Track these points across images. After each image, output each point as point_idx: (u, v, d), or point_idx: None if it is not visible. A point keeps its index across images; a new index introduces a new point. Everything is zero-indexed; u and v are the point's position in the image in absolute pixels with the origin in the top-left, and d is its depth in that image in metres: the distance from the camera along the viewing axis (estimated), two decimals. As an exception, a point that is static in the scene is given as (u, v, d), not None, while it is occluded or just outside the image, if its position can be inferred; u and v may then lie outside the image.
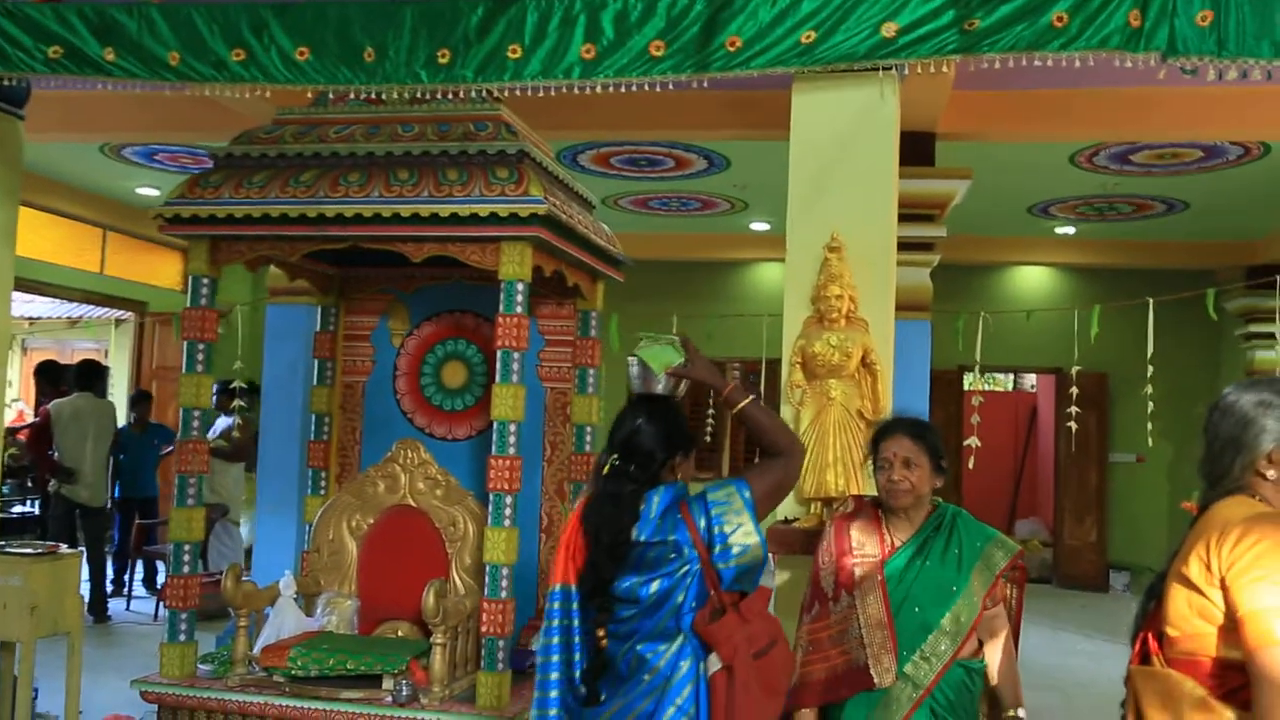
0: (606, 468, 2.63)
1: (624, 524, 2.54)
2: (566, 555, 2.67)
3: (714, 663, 2.48)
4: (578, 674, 2.57)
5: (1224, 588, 1.91)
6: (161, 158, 8.62)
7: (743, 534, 2.53)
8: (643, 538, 2.54)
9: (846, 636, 2.76)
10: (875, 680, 2.69)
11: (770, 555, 3.85)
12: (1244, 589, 1.87)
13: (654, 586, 2.50)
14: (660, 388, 2.85)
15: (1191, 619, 1.97)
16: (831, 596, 2.85)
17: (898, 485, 2.80)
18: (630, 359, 2.94)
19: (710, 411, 9.30)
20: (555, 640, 2.64)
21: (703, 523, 2.54)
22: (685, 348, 2.85)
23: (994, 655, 2.83)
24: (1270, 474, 2.03)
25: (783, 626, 2.66)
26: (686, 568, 2.51)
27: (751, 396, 2.72)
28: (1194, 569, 1.97)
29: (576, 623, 2.61)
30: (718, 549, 2.51)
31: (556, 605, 2.67)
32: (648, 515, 2.56)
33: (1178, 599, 2.00)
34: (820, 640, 2.83)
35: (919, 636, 2.72)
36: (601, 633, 2.56)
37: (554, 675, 2.58)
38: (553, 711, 2.57)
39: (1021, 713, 2.84)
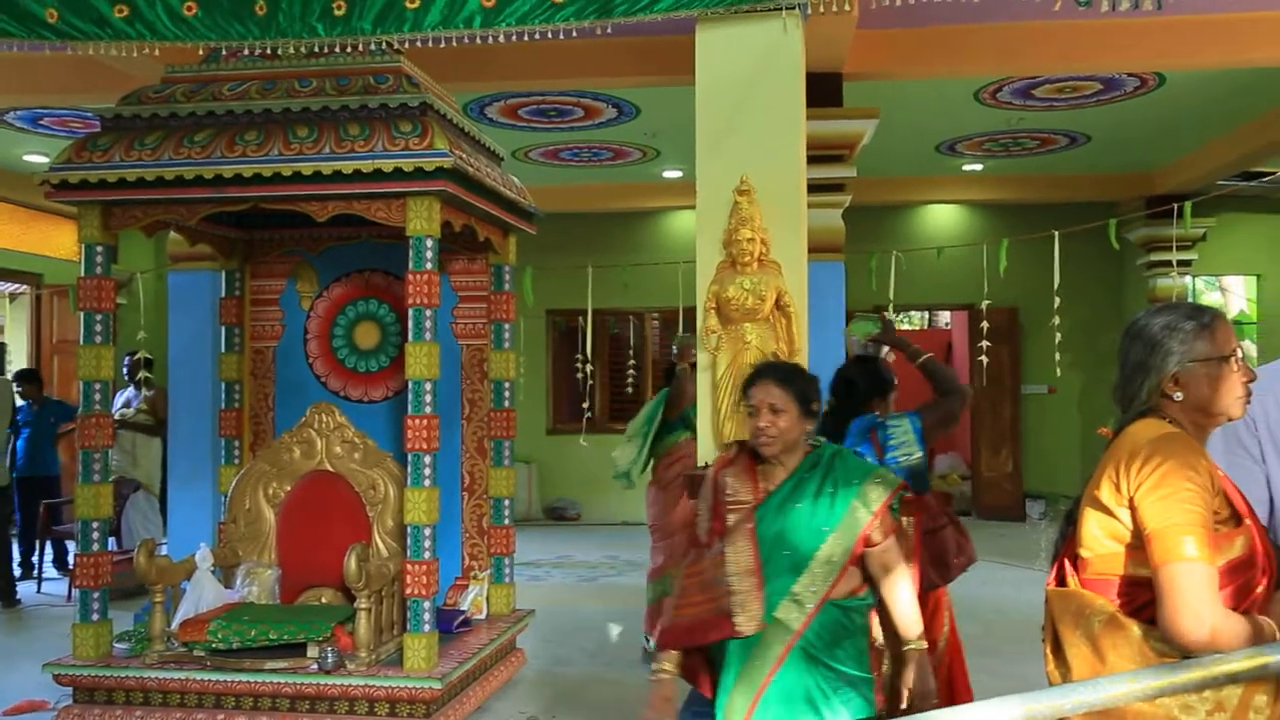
0: (825, 407, 3.39)
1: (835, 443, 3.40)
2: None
3: None
4: None
5: (1132, 507, 1.95)
6: (48, 122, 8.26)
7: (905, 448, 3.59)
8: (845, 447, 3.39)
9: (715, 583, 2.75)
10: (738, 628, 2.69)
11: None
12: (1150, 507, 1.91)
13: None
14: (864, 351, 4.08)
15: (1102, 540, 2.02)
16: (705, 543, 2.85)
17: (764, 432, 2.77)
18: (844, 331, 4.43)
19: (631, 369, 9.32)
20: None
21: (881, 439, 3.60)
22: (882, 322, 4.11)
23: (889, 590, 2.81)
24: (1177, 395, 2.06)
25: None
26: None
27: (929, 354, 3.85)
28: (1105, 491, 2.01)
29: None
30: (888, 456, 3.56)
31: None
32: (849, 435, 3.64)
33: (1090, 521, 2.05)
34: (690, 586, 2.82)
35: (789, 579, 2.71)
36: None
37: None
38: None
39: (922, 643, 2.80)
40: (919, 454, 3.61)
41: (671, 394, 5.87)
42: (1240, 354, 2.09)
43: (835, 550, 2.71)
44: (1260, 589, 1.95)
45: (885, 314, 4.17)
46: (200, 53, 4.67)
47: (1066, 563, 2.12)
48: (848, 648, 2.76)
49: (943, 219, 11.93)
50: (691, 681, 2.91)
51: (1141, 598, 1.93)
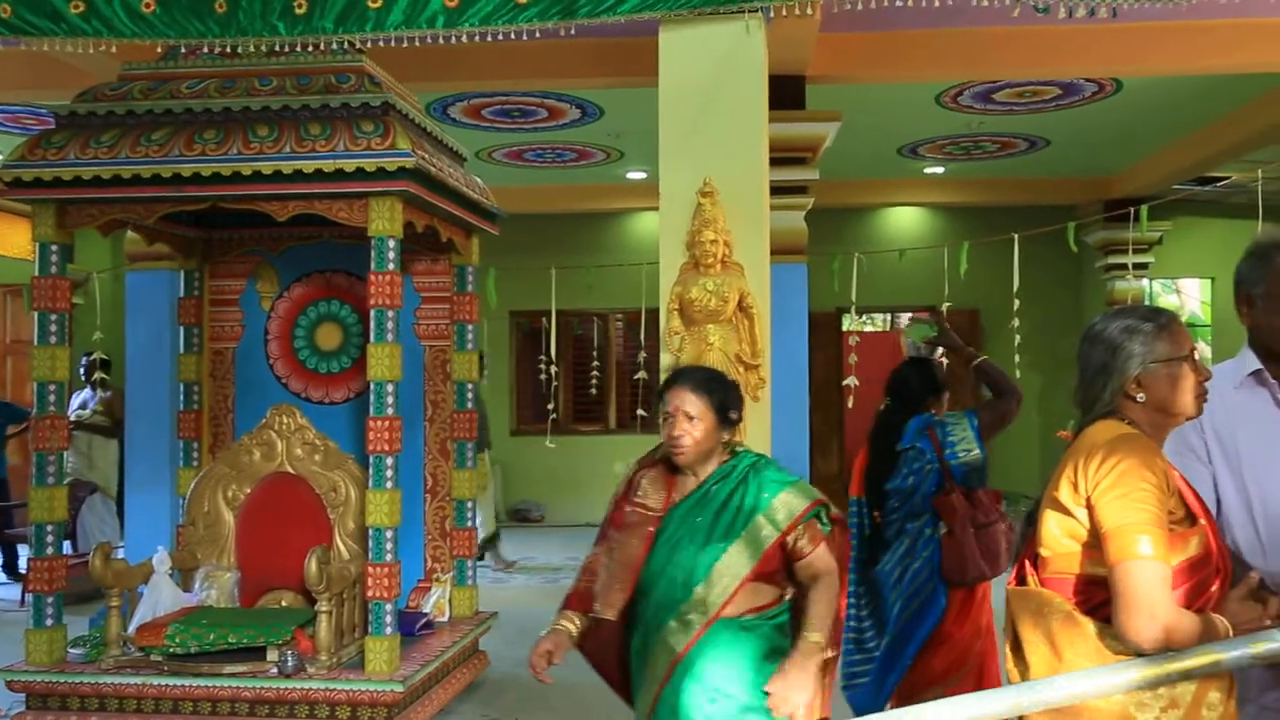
0: (882, 405, 3.77)
1: (892, 440, 3.86)
2: (859, 472, 4.05)
3: (943, 527, 3.71)
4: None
5: (1089, 506, 1.98)
6: (2, 119, 8.13)
7: (965, 445, 3.82)
8: (903, 446, 3.82)
9: (599, 569, 2.73)
10: (597, 610, 2.66)
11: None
12: (1107, 506, 1.93)
13: (909, 481, 3.79)
14: (919, 353, 4.41)
15: (1061, 539, 2.04)
16: (606, 536, 2.79)
17: (678, 441, 2.64)
18: (900, 333, 4.48)
19: (595, 370, 9.31)
20: (852, 532, 3.85)
21: (940, 436, 3.79)
22: (938, 326, 4.27)
23: (813, 590, 2.66)
24: (1139, 396, 2.09)
25: None
26: (929, 466, 3.76)
27: (984, 356, 4.02)
28: (1064, 491, 2.04)
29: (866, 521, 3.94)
30: (948, 452, 3.77)
31: (853, 510, 4.01)
32: (908, 433, 3.84)
33: (1049, 522, 2.07)
34: (585, 568, 2.81)
35: (678, 594, 2.60)
36: (876, 513, 3.94)
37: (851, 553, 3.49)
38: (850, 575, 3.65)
39: (817, 636, 2.61)
40: (978, 451, 3.83)
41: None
42: (1197, 354, 2.13)
43: (731, 568, 2.59)
44: (1214, 588, 1.98)
45: (941, 317, 4.40)
46: (158, 50, 4.61)
47: (1027, 562, 2.15)
48: (743, 670, 2.60)
49: (905, 221, 12.02)
50: (609, 683, 2.87)
51: (1098, 596, 1.95)
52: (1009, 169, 10.48)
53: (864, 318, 15.09)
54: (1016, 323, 6.56)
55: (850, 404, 6.73)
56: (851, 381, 6.55)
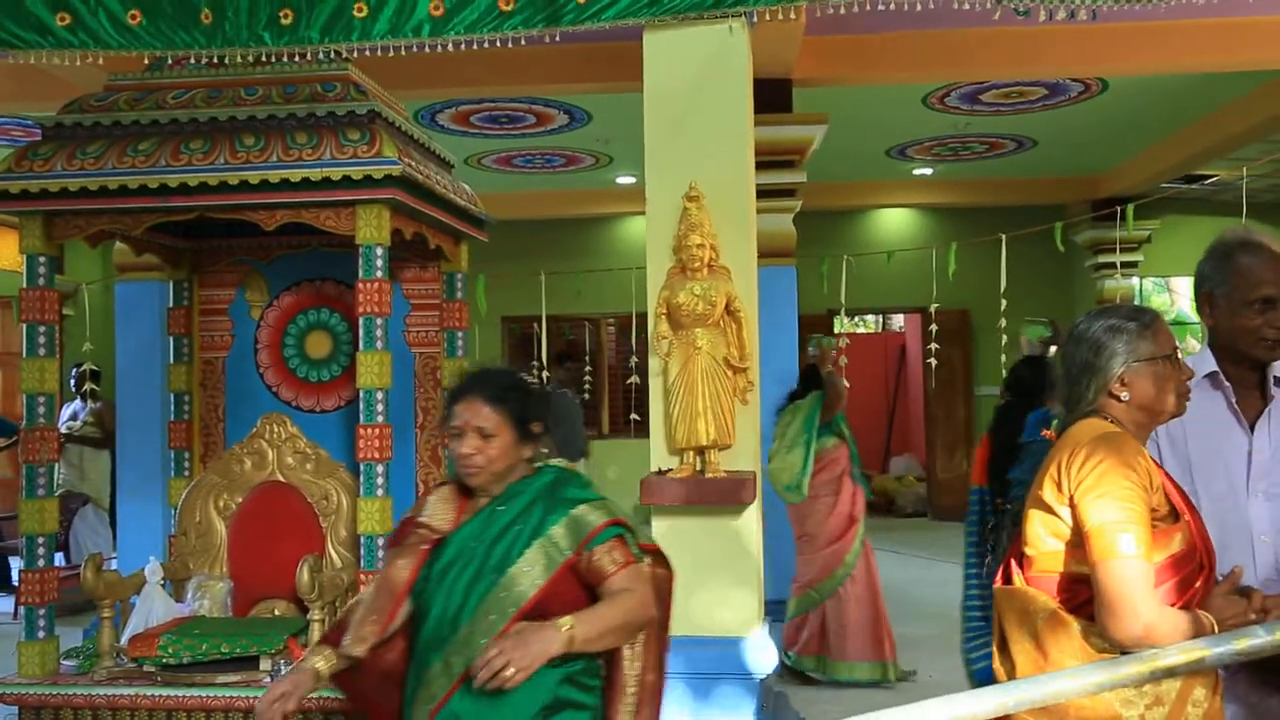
0: (1002, 401, 4.21)
1: (1012, 433, 4.10)
2: (981, 463, 4.38)
3: None
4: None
5: (1072, 505, 1.99)
6: (-11, 132, 8.15)
7: None
8: (1022, 440, 4.00)
9: (369, 596, 2.43)
10: (344, 646, 2.35)
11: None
12: (1089, 505, 1.95)
13: (1031, 473, 4.06)
14: (1035, 351, 4.88)
15: (1045, 538, 2.06)
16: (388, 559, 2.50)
17: (468, 460, 2.34)
18: (1020, 332, 5.23)
19: (587, 375, 9.31)
20: (974, 519, 4.33)
21: (1057, 430, 4.15)
22: (1052, 326, 4.83)
23: (605, 599, 2.33)
24: (1123, 395, 2.11)
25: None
26: None
27: None
28: (1047, 490, 2.05)
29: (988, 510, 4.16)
30: None
31: (974, 499, 4.34)
32: (1027, 427, 4.02)
33: (1034, 521, 2.09)
34: (358, 597, 2.53)
35: (445, 632, 2.29)
36: (1000, 500, 4.13)
37: (972, 538, 3.89)
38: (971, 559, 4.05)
39: (569, 621, 2.23)
40: None
41: (828, 398, 5.84)
42: (1179, 353, 2.15)
43: (501, 602, 2.26)
44: (1199, 583, 2.00)
45: (1053, 319, 4.96)
46: (144, 61, 4.62)
47: (1013, 561, 2.16)
48: (532, 706, 2.24)
49: (894, 222, 12.05)
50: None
51: (1083, 595, 1.97)
52: (997, 169, 10.53)
53: (855, 319, 15.13)
54: (1004, 323, 6.58)
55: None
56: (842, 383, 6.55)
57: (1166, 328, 2.18)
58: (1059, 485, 2.03)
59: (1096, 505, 1.94)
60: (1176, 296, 13.46)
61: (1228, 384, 2.36)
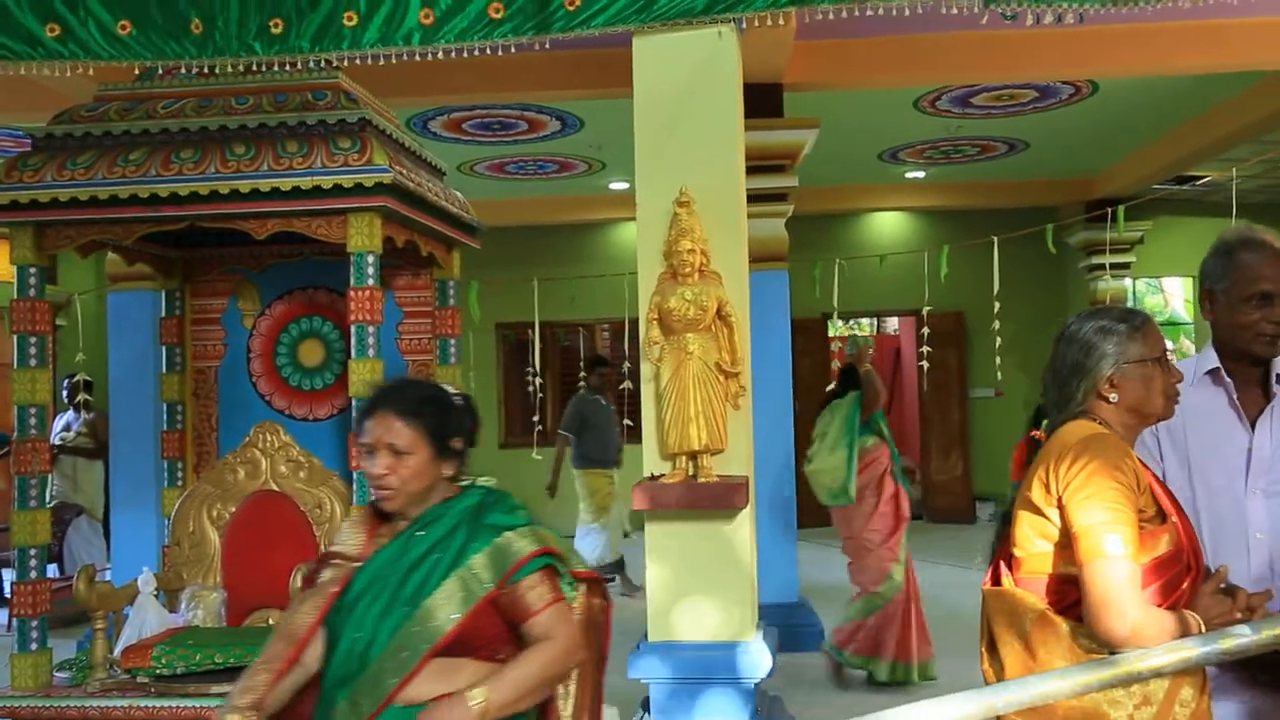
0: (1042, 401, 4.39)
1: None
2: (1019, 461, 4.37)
3: None
4: None
5: (1060, 506, 2.00)
6: (-20, 143, 8.14)
7: None
8: None
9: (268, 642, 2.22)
10: (232, 695, 2.11)
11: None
12: (1077, 506, 1.95)
13: None
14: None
15: (1034, 539, 2.06)
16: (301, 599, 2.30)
17: (380, 482, 2.15)
18: None
19: (582, 380, 9.31)
20: (1008, 513, 4.41)
21: None
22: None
23: (529, 650, 2.14)
24: (1112, 396, 2.11)
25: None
26: None
27: None
28: (1036, 492, 2.06)
29: None
30: None
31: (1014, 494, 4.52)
32: None
33: (1023, 523, 2.09)
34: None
35: (353, 668, 2.10)
36: None
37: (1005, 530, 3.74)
38: None
39: (480, 694, 2.04)
40: None
41: (866, 397, 5.79)
42: (1170, 355, 2.15)
43: (414, 637, 2.08)
44: (1186, 584, 2.00)
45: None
46: (135, 71, 4.62)
47: (1002, 563, 2.16)
48: None
49: (889, 226, 12.07)
50: None
51: (1071, 595, 1.97)
52: (990, 172, 10.55)
53: (850, 323, 15.16)
54: (998, 325, 6.60)
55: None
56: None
57: (1157, 330, 2.18)
58: (1047, 487, 2.04)
59: (1084, 506, 1.94)
60: (1169, 297, 13.49)
61: (1229, 380, 2.37)
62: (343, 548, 2.27)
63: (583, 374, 8.63)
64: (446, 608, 2.09)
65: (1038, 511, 2.05)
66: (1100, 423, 2.11)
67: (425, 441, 2.18)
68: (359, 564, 2.19)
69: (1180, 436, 2.38)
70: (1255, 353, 2.35)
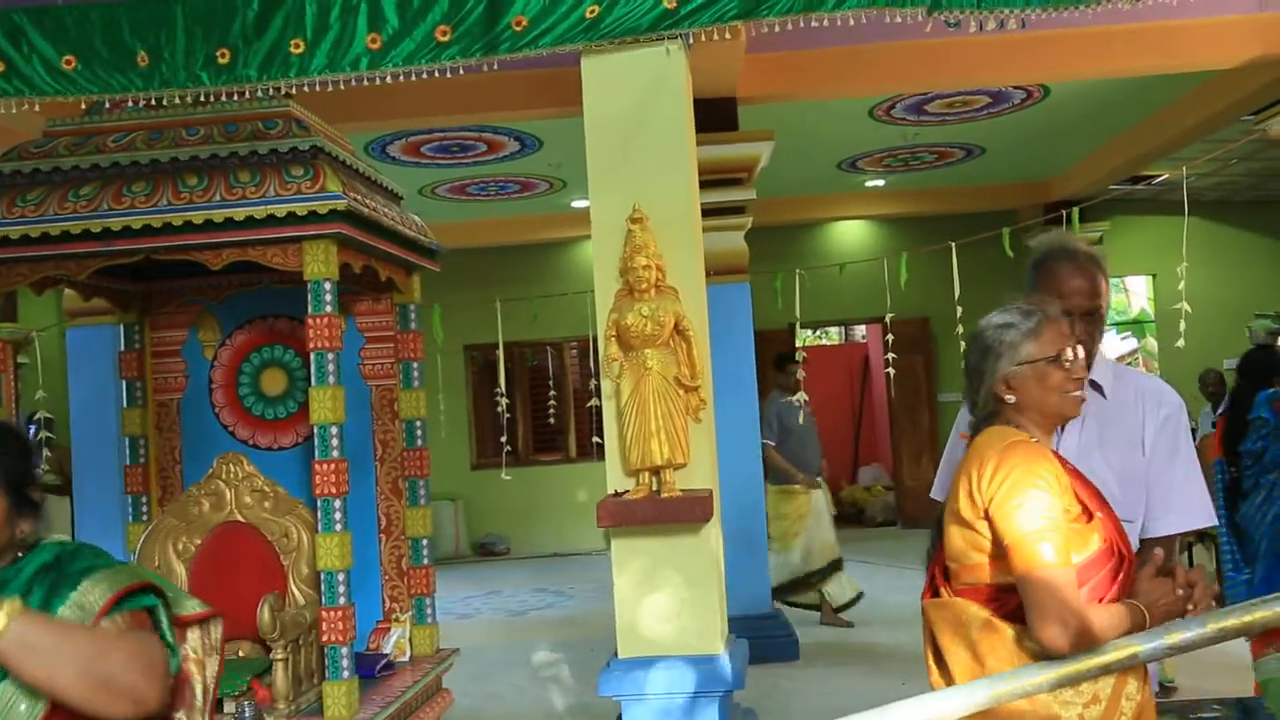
0: (1235, 384, 4.93)
1: (1244, 411, 5.00)
2: (1219, 438, 5.11)
3: None
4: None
5: (988, 519, 1.97)
6: (-64, 182, 8.05)
7: None
8: (1252, 416, 4.85)
9: None
10: None
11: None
12: (1005, 518, 1.93)
13: (1258, 444, 4.80)
14: (1263, 340, 5.61)
15: (969, 552, 2.02)
16: None
17: None
18: (1248, 327, 6.10)
19: (552, 400, 9.31)
20: (1218, 484, 5.11)
21: None
22: (1278, 319, 5.81)
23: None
24: (1009, 397, 2.08)
25: None
26: (1275, 431, 4.76)
27: None
28: (963, 505, 2.02)
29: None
30: None
31: (1217, 468, 5.12)
32: (1256, 405, 4.88)
33: (954, 536, 2.05)
34: None
35: None
36: (1233, 469, 4.99)
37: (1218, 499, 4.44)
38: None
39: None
40: None
41: None
42: (1070, 354, 2.10)
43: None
44: (1122, 575, 2.01)
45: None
46: (83, 105, 4.59)
47: (937, 573, 2.14)
48: None
49: (850, 235, 12.15)
50: None
51: (1013, 602, 1.96)
52: (949, 178, 10.65)
53: (818, 332, 15.21)
54: (961, 329, 6.63)
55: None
56: (799, 398, 6.59)
57: (1056, 328, 2.12)
58: (973, 499, 2.00)
59: (1012, 518, 1.92)
60: (1132, 295, 13.64)
61: None
62: None
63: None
64: (29, 694, 1.70)
65: (967, 525, 2.01)
66: (1015, 425, 2.08)
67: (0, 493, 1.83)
68: None
69: None
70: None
